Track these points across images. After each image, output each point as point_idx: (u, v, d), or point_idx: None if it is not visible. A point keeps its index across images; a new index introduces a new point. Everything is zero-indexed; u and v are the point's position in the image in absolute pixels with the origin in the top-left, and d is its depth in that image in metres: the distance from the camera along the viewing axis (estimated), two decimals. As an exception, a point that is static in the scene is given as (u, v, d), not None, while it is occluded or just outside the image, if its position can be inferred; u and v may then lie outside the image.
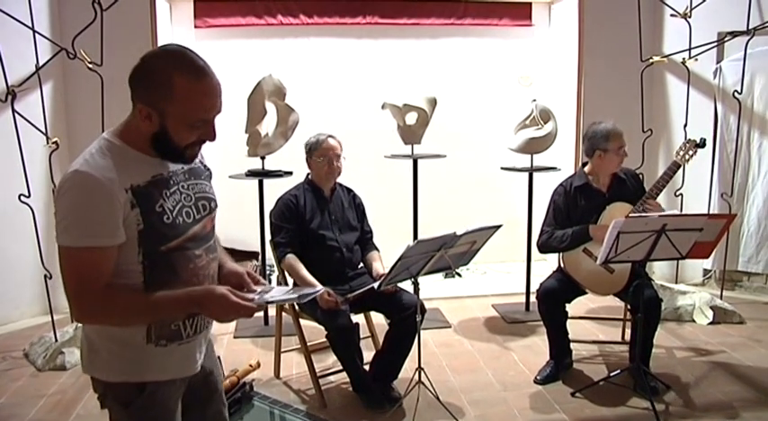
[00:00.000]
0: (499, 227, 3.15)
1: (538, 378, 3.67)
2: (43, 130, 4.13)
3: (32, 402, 3.47)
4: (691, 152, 3.54)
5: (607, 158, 3.60)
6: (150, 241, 1.62)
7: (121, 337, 1.68)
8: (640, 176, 3.86)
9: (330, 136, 3.58)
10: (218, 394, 1.99)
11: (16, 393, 3.59)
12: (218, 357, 2.16)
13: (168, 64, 1.58)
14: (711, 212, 4.94)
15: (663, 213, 3.21)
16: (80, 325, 3.99)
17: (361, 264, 3.67)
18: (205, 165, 1.88)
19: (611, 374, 3.55)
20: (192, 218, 1.71)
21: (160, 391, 1.73)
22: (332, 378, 3.66)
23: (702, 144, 3.54)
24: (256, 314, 4.69)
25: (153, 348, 1.69)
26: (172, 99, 1.57)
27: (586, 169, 3.72)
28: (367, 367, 3.47)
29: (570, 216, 3.65)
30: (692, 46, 4.85)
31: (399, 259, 2.88)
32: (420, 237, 3.73)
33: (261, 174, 4.42)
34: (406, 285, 3.28)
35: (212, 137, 1.67)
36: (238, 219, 4.74)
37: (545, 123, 4.65)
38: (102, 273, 1.57)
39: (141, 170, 1.63)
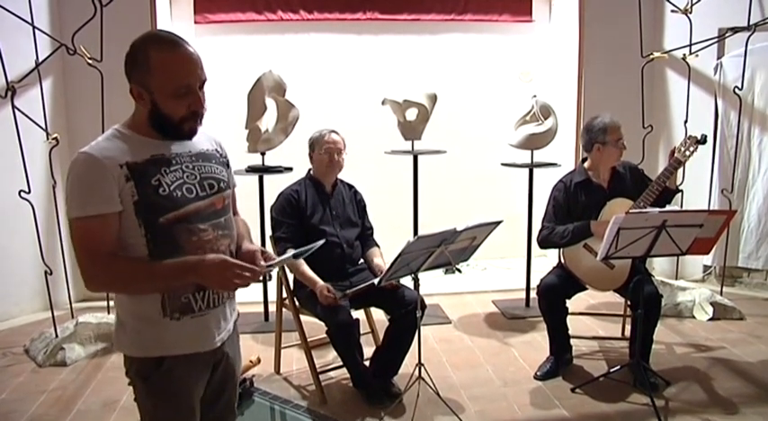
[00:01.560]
0: (499, 222, 3.15)
1: (538, 374, 3.68)
2: (43, 126, 4.13)
3: (33, 398, 3.47)
4: (692, 148, 3.53)
5: (606, 151, 3.60)
6: (147, 212, 1.71)
7: (140, 312, 1.79)
8: (640, 169, 3.84)
9: (333, 131, 3.60)
10: (234, 385, 2.06)
11: (17, 389, 3.59)
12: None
13: (145, 43, 1.73)
14: (712, 208, 4.94)
15: (663, 209, 3.21)
16: (81, 321, 4.04)
17: (362, 260, 3.67)
18: (221, 153, 1.97)
19: (611, 370, 3.55)
20: (194, 194, 1.79)
21: (178, 368, 1.81)
22: (332, 374, 3.67)
23: (704, 140, 3.52)
24: (255, 309, 4.69)
25: (168, 322, 1.78)
26: (151, 73, 1.70)
27: (586, 165, 3.72)
28: (367, 363, 3.48)
29: (570, 212, 3.64)
30: (693, 42, 4.84)
31: (399, 255, 2.88)
32: (420, 232, 3.74)
33: (261, 170, 4.41)
34: (407, 281, 3.28)
35: (199, 106, 1.77)
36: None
37: (545, 119, 4.64)
38: (103, 241, 1.69)
39: (141, 150, 1.75)
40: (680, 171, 3.63)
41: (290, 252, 1.90)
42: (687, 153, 3.50)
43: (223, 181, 1.89)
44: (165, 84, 1.70)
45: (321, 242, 2.05)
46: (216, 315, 1.87)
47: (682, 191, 4.14)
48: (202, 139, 1.91)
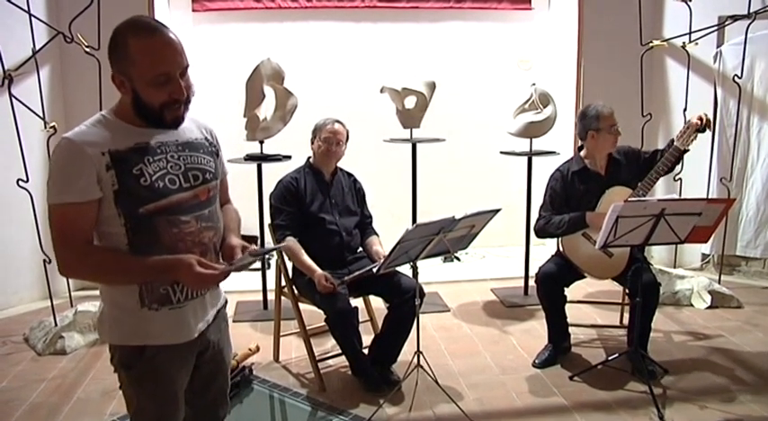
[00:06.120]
0: (498, 211, 3.15)
1: (536, 362, 3.69)
2: (41, 115, 4.11)
3: (33, 386, 3.48)
4: (691, 137, 3.53)
5: (601, 138, 3.58)
6: (127, 202, 1.69)
7: (119, 301, 1.78)
8: (635, 149, 3.79)
9: (337, 121, 3.60)
10: (225, 373, 2.05)
11: (17, 377, 3.61)
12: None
13: (125, 30, 1.67)
14: (710, 197, 4.94)
15: (662, 198, 3.20)
16: (80, 309, 4.04)
17: (361, 249, 3.67)
18: (211, 141, 1.93)
19: (610, 358, 3.56)
20: (177, 185, 1.76)
21: (159, 357, 1.80)
22: (331, 362, 3.68)
23: (703, 129, 3.52)
24: (254, 297, 4.70)
25: (147, 312, 1.77)
26: (131, 61, 1.65)
27: (582, 153, 3.71)
28: (366, 351, 3.48)
29: (569, 201, 3.64)
30: (693, 30, 4.82)
31: (398, 243, 2.88)
32: (419, 221, 3.74)
33: (259, 158, 4.41)
34: (405, 269, 3.29)
35: (180, 94, 1.71)
36: (236, 204, 4.72)
37: (544, 107, 4.63)
38: (79, 229, 1.68)
39: (125, 138, 1.72)
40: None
41: (250, 250, 1.86)
42: (688, 141, 3.50)
43: (209, 172, 1.86)
44: (143, 72, 1.65)
45: (282, 246, 2.00)
46: (194, 306, 1.85)
47: (681, 179, 4.15)
48: (192, 127, 1.87)
